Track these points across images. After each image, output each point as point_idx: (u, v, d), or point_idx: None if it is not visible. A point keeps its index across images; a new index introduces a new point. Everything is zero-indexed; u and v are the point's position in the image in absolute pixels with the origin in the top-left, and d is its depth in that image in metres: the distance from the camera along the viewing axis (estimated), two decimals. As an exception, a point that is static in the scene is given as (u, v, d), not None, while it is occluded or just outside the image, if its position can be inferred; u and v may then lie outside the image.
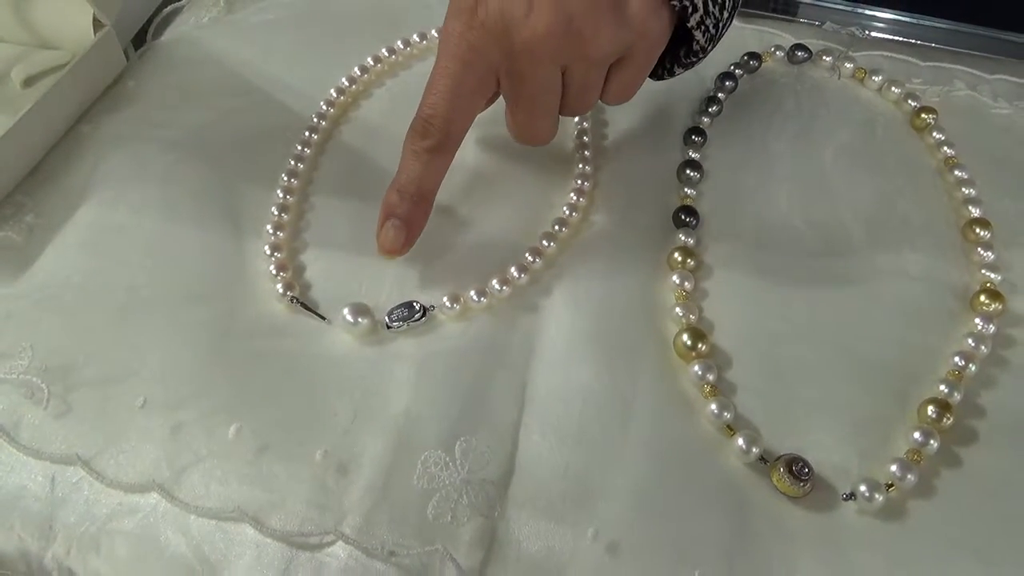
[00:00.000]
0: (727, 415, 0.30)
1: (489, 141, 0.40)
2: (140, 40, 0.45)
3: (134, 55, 0.44)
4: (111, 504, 0.28)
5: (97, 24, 0.40)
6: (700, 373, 0.31)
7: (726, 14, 0.33)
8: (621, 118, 0.42)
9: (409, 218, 0.33)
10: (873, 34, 0.46)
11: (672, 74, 0.35)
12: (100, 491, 0.28)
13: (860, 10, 0.48)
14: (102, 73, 0.41)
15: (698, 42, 0.32)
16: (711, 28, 0.32)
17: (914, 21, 0.48)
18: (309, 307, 0.33)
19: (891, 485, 0.28)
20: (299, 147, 0.39)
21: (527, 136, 0.35)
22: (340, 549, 0.27)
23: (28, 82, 0.40)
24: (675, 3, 0.30)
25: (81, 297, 0.33)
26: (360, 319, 0.32)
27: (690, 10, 0.31)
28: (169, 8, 0.47)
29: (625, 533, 0.27)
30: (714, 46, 0.34)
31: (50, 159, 0.38)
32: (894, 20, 0.48)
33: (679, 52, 0.34)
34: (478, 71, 0.31)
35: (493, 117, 0.35)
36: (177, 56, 0.44)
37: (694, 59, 0.34)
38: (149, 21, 0.46)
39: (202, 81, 0.42)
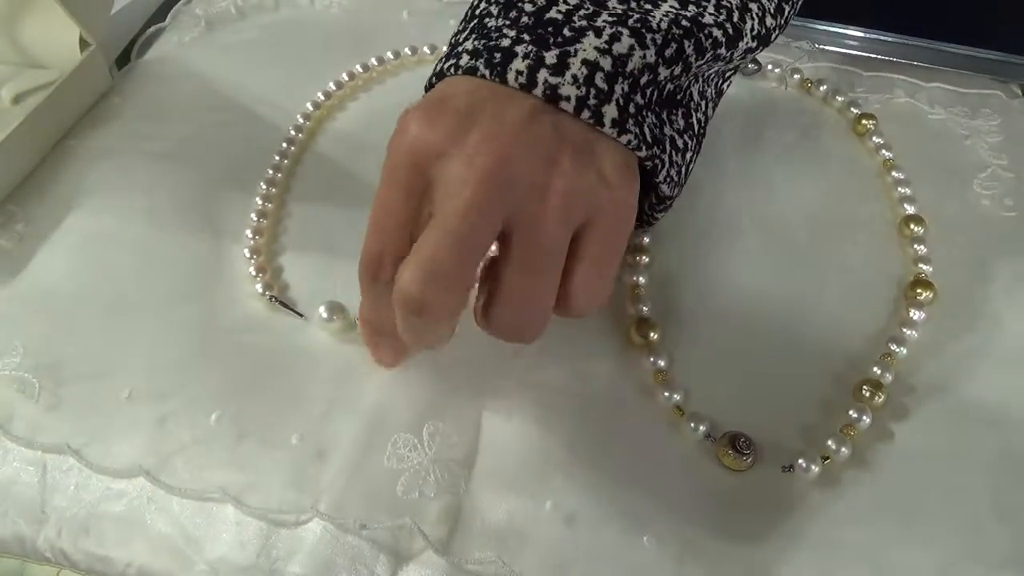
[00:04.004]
0: (676, 397, 0.32)
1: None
2: (125, 59, 0.47)
3: (119, 73, 0.46)
4: (99, 489, 0.30)
5: (84, 44, 0.43)
6: (652, 360, 0.33)
7: (690, 155, 0.31)
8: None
9: None
10: (820, 47, 0.49)
11: (651, 222, 0.34)
12: (89, 477, 0.30)
13: (809, 25, 0.51)
14: (88, 90, 0.43)
15: (664, 193, 0.31)
16: (675, 177, 0.31)
17: (859, 34, 0.51)
18: (287, 305, 0.35)
19: (827, 458, 0.31)
20: (277, 157, 0.41)
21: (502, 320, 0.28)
22: (315, 524, 0.29)
23: (18, 99, 0.42)
24: (647, 163, 0.28)
25: (70, 299, 0.35)
26: (335, 317, 0.34)
27: (660, 167, 0.29)
28: (152, 28, 0.49)
29: (581, 505, 0.29)
30: (679, 192, 0.32)
31: (40, 171, 0.40)
32: (840, 34, 0.51)
33: (643, 205, 0.32)
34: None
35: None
36: (160, 73, 0.46)
37: (665, 206, 0.34)
38: (133, 41, 0.48)
39: (184, 97, 0.44)
